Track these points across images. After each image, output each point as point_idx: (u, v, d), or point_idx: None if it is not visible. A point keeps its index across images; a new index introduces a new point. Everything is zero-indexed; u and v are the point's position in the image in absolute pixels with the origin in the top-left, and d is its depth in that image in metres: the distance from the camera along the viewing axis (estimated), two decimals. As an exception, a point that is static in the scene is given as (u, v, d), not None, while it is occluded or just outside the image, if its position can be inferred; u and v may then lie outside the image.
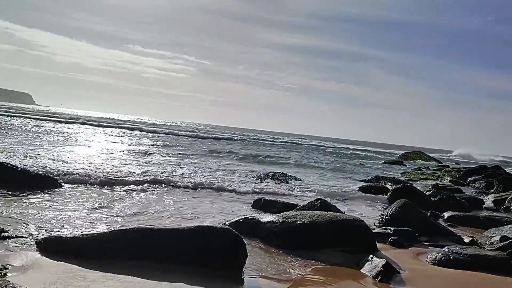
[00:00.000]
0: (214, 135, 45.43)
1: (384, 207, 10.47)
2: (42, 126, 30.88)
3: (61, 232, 5.59)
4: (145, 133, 38.70)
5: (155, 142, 26.21)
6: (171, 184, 10.20)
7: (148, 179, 10.22)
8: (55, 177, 9.31)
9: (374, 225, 7.95)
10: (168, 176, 11.01)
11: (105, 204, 7.62)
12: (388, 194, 11.78)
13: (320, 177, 16.20)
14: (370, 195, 12.17)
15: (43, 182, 8.89)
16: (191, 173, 12.66)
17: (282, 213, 6.60)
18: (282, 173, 14.97)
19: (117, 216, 6.87)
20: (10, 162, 9.84)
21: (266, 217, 6.50)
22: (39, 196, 7.80)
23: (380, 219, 8.16)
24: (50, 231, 5.57)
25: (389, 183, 14.69)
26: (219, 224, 6.86)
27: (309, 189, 12.18)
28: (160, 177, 10.67)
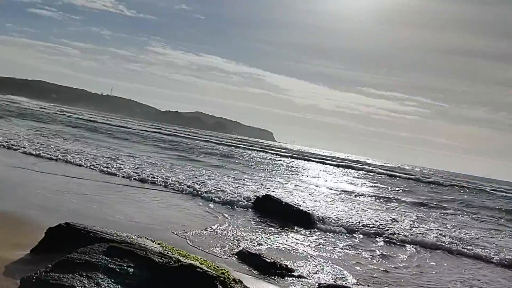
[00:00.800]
0: (455, 183, 40.84)
1: None
2: (286, 162, 33.87)
3: (336, 276, 5.42)
4: (377, 175, 37.73)
5: (392, 187, 24.99)
6: (442, 248, 8.92)
7: (409, 237, 9.15)
8: (308, 213, 9.40)
9: None
10: (435, 236, 9.75)
11: (370, 252, 7.23)
12: None
13: None
14: None
15: (301, 218, 9.17)
16: (455, 234, 10.82)
17: None
18: None
19: (390, 272, 6.32)
20: (274, 196, 10.65)
21: None
22: (301, 232, 8.03)
23: None
24: (327, 272, 5.48)
25: None
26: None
27: None
28: (428, 237, 9.46)
